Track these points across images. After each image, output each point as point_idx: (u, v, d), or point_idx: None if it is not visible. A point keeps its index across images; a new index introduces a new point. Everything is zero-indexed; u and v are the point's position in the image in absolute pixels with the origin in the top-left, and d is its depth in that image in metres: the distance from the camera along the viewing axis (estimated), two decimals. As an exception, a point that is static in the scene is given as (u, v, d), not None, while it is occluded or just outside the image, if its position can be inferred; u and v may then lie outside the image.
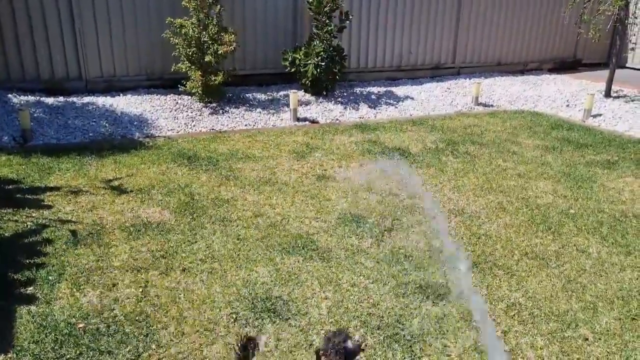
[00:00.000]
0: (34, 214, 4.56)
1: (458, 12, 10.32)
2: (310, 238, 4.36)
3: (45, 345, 3.08)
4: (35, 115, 6.94)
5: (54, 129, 6.74)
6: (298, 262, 4.01)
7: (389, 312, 3.47)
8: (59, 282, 3.64)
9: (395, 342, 3.20)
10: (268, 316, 3.39)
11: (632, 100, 9.11)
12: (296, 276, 3.83)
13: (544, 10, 11.19)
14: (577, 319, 3.47)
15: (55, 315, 3.32)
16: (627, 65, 12.00)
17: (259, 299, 3.55)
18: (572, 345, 3.24)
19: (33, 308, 3.38)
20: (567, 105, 9.05)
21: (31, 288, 3.58)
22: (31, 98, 7.43)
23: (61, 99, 7.57)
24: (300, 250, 4.17)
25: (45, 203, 4.79)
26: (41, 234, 4.25)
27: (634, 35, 10.67)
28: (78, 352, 3.03)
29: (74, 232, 4.28)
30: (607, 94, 9.31)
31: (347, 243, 4.31)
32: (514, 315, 3.50)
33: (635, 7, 9.43)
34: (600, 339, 3.30)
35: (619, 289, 3.82)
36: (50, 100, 7.48)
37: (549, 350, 3.19)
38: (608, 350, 3.21)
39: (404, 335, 3.26)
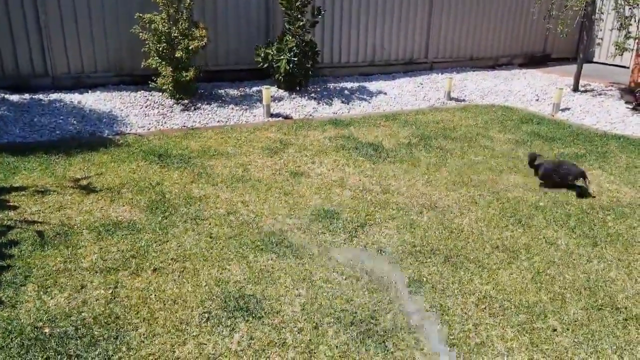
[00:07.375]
0: (-2, 215, 4.44)
1: (430, 8, 10.39)
2: (284, 235, 4.34)
3: (11, 350, 2.99)
4: (-1, 113, 6.75)
5: (20, 127, 6.55)
6: (271, 259, 3.99)
7: (362, 308, 3.48)
8: (24, 285, 3.55)
9: (369, 337, 3.22)
10: (241, 315, 3.36)
11: (599, 94, 9.32)
12: (269, 274, 3.81)
13: (515, 6, 11.35)
14: (546, 310, 3.54)
15: (21, 320, 3.23)
16: (594, 60, 12.26)
17: (232, 298, 3.52)
18: (541, 336, 3.30)
19: (-2, 312, 3.29)
20: (537, 100, 9.21)
21: (-4, 292, 3.48)
22: (-5, 95, 7.23)
23: (27, 96, 7.36)
24: (274, 247, 4.15)
25: (11, 204, 4.65)
26: (6, 235, 4.13)
27: (601, 30, 10.90)
28: (45, 356, 2.96)
29: (40, 233, 4.17)
30: (575, 89, 9.50)
31: (321, 239, 4.30)
32: (484, 308, 3.55)
33: (602, 3, 9.62)
34: (568, 329, 3.37)
35: (586, 279, 3.90)
36: (15, 97, 7.27)
37: (518, 341, 3.25)
38: (576, 340, 3.28)
39: (377, 331, 3.27)
